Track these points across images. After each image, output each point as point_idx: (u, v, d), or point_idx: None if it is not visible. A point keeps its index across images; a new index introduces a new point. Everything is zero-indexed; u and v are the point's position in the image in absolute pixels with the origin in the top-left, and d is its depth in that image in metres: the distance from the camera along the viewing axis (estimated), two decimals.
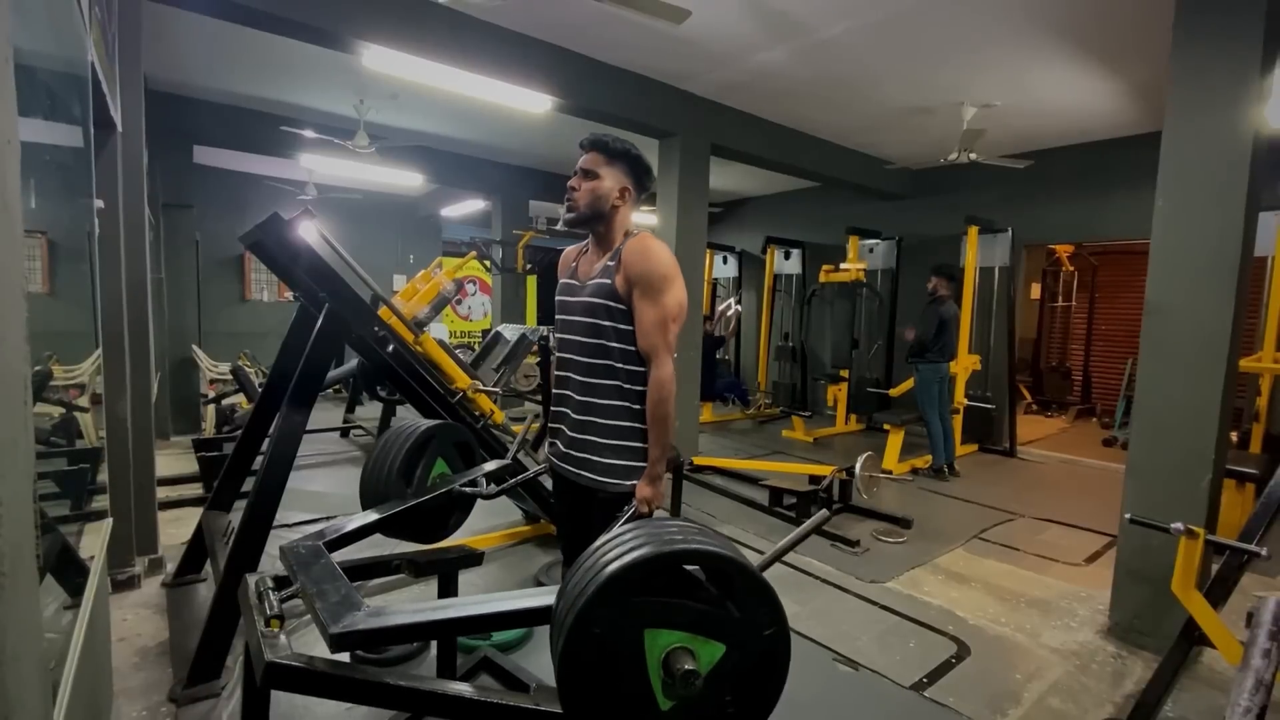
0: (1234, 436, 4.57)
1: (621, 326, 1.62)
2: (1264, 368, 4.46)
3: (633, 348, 1.62)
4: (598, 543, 1.15)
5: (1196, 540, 2.03)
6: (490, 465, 2.27)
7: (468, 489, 2.13)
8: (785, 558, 3.60)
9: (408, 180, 6.88)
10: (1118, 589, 2.80)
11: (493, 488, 2.18)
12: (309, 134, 5.46)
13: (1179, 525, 2.04)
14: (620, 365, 1.63)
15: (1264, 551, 1.93)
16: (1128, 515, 2.32)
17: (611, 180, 1.65)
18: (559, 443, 1.75)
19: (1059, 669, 2.51)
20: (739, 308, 8.26)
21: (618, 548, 1.10)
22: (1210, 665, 2.49)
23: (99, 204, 2.31)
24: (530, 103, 4.23)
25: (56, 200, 1.61)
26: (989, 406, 6.10)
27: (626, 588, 1.05)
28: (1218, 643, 2.02)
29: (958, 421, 5.63)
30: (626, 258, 1.61)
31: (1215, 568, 2.19)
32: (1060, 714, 2.22)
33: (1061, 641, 2.71)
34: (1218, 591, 2.10)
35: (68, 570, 1.46)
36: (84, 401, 1.96)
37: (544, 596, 1.29)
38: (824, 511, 1.61)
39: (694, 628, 1.08)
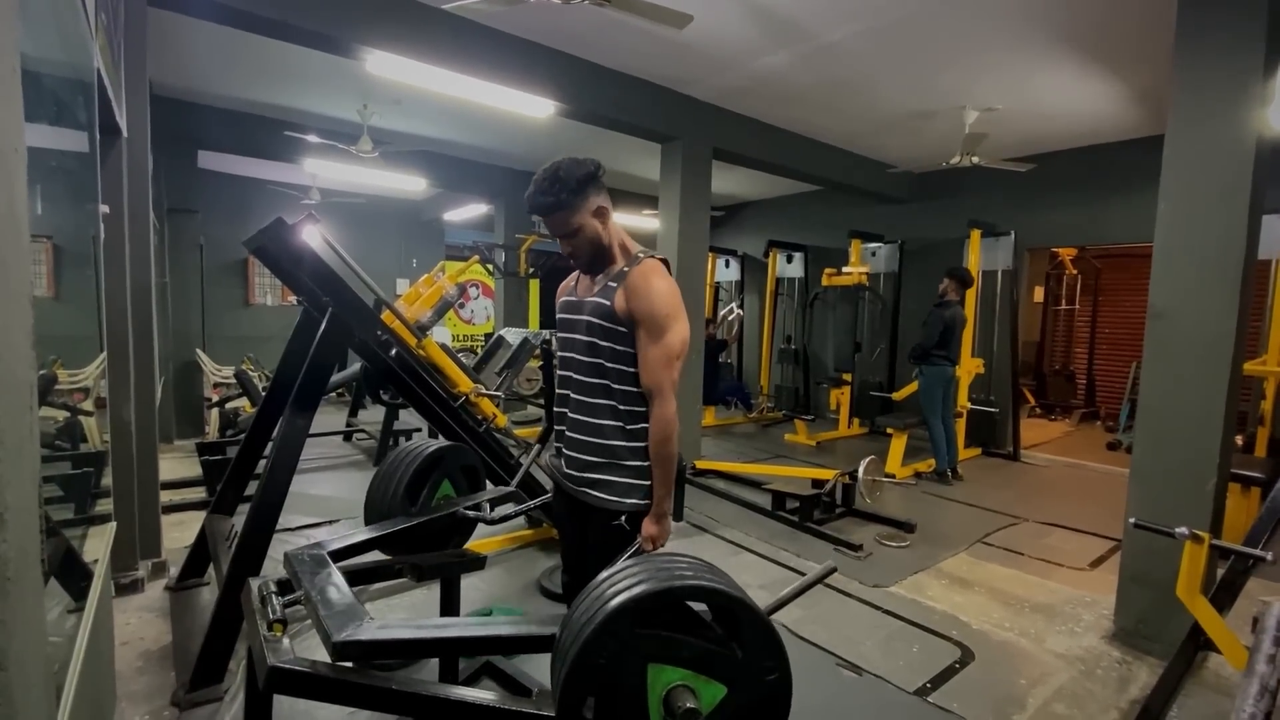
0: (1239, 440, 4.55)
1: (618, 348, 1.61)
2: (1269, 371, 4.44)
3: (629, 369, 1.61)
4: (604, 575, 1.15)
5: (1201, 545, 2.02)
6: (494, 492, 2.29)
7: (471, 513, 2.15)
8: (789, 562, 3.59)
9: (411, 184, 6.91)
10: (1122, 594, 2.78)
11: (496, 513, 2.19)
12: (313, 139, 5.48)
13: (1184, 530, 2.03)
14: (615, 386, 1.62)
15: (1269, 556, 1.92)
16: (1132, 520, 2.31)
17: (589, 220, 1.60)
18: (561, 462, 1.75)
19: (1064, 674, 2.49)
20: (740, 312, 8.25)
21: (625, 580, 1.09)
22: (1216, 671, 2.47)
23: (104, 209, 2.32)
24: (533, 107, 4.25)
25: (62, 205, 1.62)
26: (992, 410, 6.08)
27: (632, 620, 1.04)
28: (1223, 648, 2.01)
29: (961, 425, 5.61)
30: (629, 289, 1.58)
31: (1220, 572, 2.18)
32: None
33: (1066, 647, 2.69)
34: (1223, 596, 2.09)
35: (71, 574, 1.46)
36: (88, 405, 1.97)
37: (548, 626, 1.28)
38: (830, 563, 1.61)
39: (697, 666, 1.08)
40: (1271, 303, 4.56)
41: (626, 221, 8.56)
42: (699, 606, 1.12)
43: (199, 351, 6.56)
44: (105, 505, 2.19)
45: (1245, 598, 2.15)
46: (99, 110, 2.07)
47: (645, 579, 1.07)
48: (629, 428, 1.62)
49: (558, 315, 1.79)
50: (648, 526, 1.60)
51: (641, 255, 1.66)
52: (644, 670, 1.05)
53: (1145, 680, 2.43)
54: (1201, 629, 2.04)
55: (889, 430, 5.39)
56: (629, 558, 1.43)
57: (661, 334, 1.57)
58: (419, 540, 2.13)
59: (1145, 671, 2.51)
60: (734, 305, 8.12)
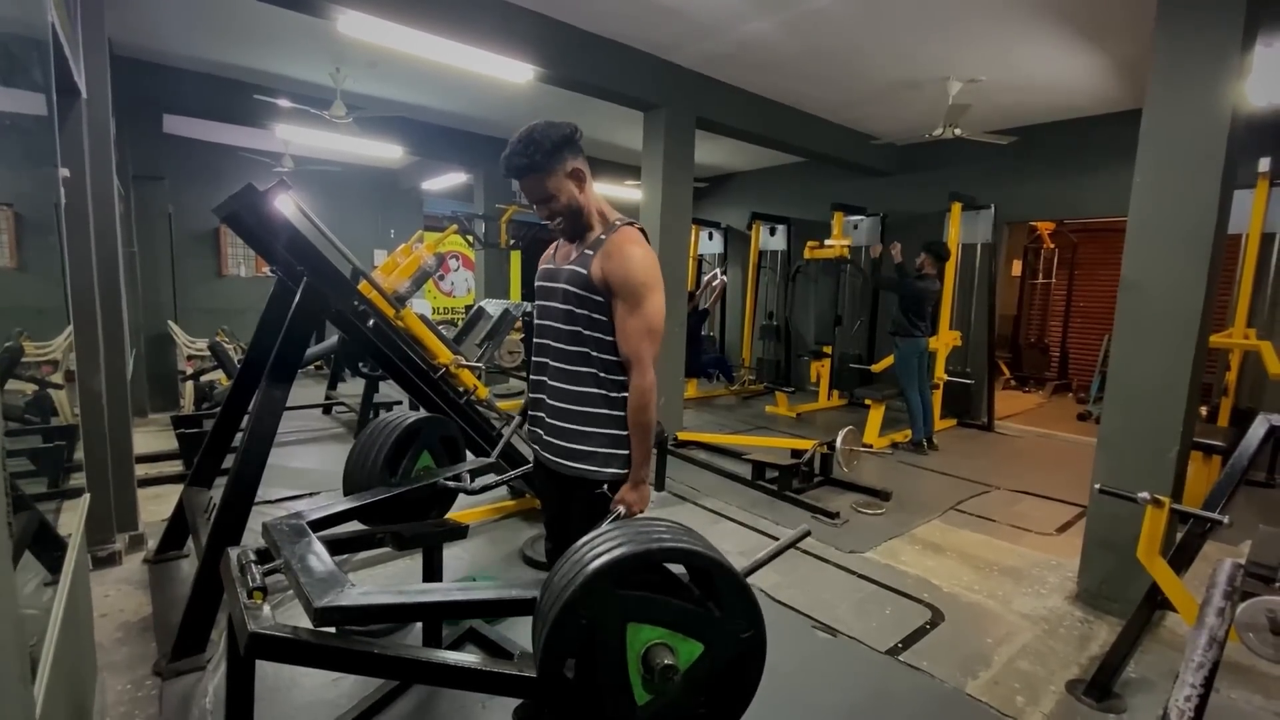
0: (1203, 411, 4.70)
1: (595, 316, 1.59)
2: (1234, 344, 4.57)
3: (606, 337, 1.60)
4: (584, 539, 1.16)
5: (1162, 509, 2.10)
6: (474, 463, 2.29)
7: (450, 483, 2.15)
8: (768, 530, 3.66)
9: (387, 152, 6.73)
10: (1086, 557, 2.89)
11: (476, 484, 2.20)
12: (284, 103, 5.31)
13: (1146, 495, 2.11)
14: (595, 354, 1.61)
15: (1226, 519, 2.00)
16: (1097, 486, 2.39)
17: (565, 183, 1.57)
18: (539, 430, 1.75)
19: (1028, 633, 2.60)
20: (724, 278, 8.23)
21: (605, 543, 1.11)
22: (1172, 629, 2.59)
23: (64, 173, 2.23)
24: (512, 72, 4.14)
25: (21, 171, 1.56)
26: (968, 382, 6.20)
27: (613, 580, 1.06)
28: (1179, 606, 2.10)
29: (938, 396, 5.72)
30: (605, 258, 1.56)
31: (1179, 536, 2.27)
32: (1028, 675, 2.30)
33: (1031, 607, 2.80)
34: (1181, 558, 2.18)
35: (45, 546, 1.45)
36: (57, 378, 1.92)
37: (529, 589, 1.30)
38: (804, 527, 1.64)
39: (675, 625, 1.10)
40: (1240, 276, 4.68)
41: (608, 192, 8.45)
42: (677, 568, 1.14)
43: (171, 323, 6.42)
44: (78, 478, 2.16)
45: (1202, 560, 2.25)
46: (55, 69, 1.98)
47: (624, 542, 1.09)
48: (611, 395, 1.62)
49: (536, 283, 1.77)
50: (626, 493, 1.62)
51: (619, 223, 1.63)
52: (623, 629, 1.07)
53: (1105, 638, 2.54)
54: (1160, 589, 2.14)
55: (867, 402, 5.48)
56: (609, 523, 1.45)
57: (639, 304, 1.56)
58: (399, 511, 2.13)
59: (1105, 630, 2.62)
60: (718, 270, 8.10)
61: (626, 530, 1.14)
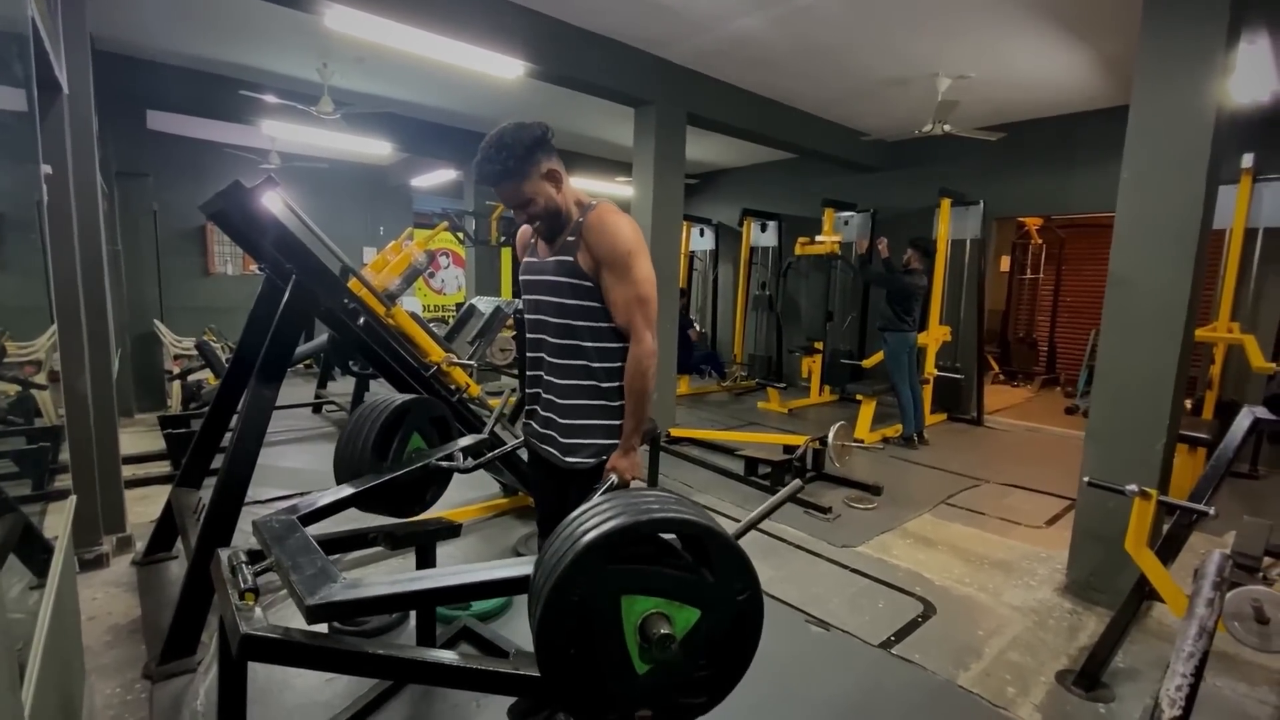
0: (1188, 403, 4.76)
1: (587, 304, 1.58)
2: (1219, 337, 4.64)
3: (601, 324, 1.59)
4: (575, 513, 1.16)
5: (1149, 501, 2.12)
6: (466, 440, 2.26)
7: (444, 463, 2.12)
8: (760, 525, 3.68)
9: (376, 149, 6.68)
10: (1075, 549, 2.92)
11: (469, 462, 2.17)
12: (270, 99, 5.25)
13: (1133, 487, 2.13)
14: (587, 344, 1.60)
15: (1212, 510, 2.03)
16: (1086, 478, 2.42)
17: (541, 185, 1.55)
18: (534, 423, 1.74)
19: (1018, 625, 2.62)
20: (700, 330, 8.33)
21: (595, 517, 1.11)
22: (1159, 619, 2.63)
23: (46, 169, 2.20)
24: (502, 68, 4.12)
25: (1, 167, 1.53)
26: (958, 377, 6.24)
27: (604, 555, 1.06)
28: (1166, 597, 2.13)
29: (928, 391, 5.75)
30: (588, 236, 1.55)
31: (1166, 527, 2.30)
32: (1018, 667, 2.33)
33: (1022, 599, 2.83)
34: (1168, 549, 2.21)
35: (31, 550, 1.43)
36: (41, 378, 1.90)
37: (522, 566, 1.30)
38: (796, 481, 1.63)
39: (670, 593, 1.10)
40: (1224, 271, 4.74)
41: (598, 188, 8.43)
42: (669, 536, 1.14)
43: (157, 323, 6.34)
44: (64, 480, 2.14)
45: (1189, 551, 2.28)
46: (35, 64, 1.95)
47: (615, 515, 1.09)
48: (604, 386, 1.61)
49: (521, 277, 1.75)
50: (616, 459, 1.60)
51: (594, 203, 1.62)
52: (618, 602, 1.07)
53: (1094, 629, 2.57)
54: (1147, 580, 2.16)
55: (858, 397, 5.50)
56: (601, 494, 1.44)
57: (627, 271, 1.54)
58: (393, 495, 2.08)
59: (1094, 621, 2.65)
60: (695, 322, 8.14)
61: (616, 503, 1.14)
